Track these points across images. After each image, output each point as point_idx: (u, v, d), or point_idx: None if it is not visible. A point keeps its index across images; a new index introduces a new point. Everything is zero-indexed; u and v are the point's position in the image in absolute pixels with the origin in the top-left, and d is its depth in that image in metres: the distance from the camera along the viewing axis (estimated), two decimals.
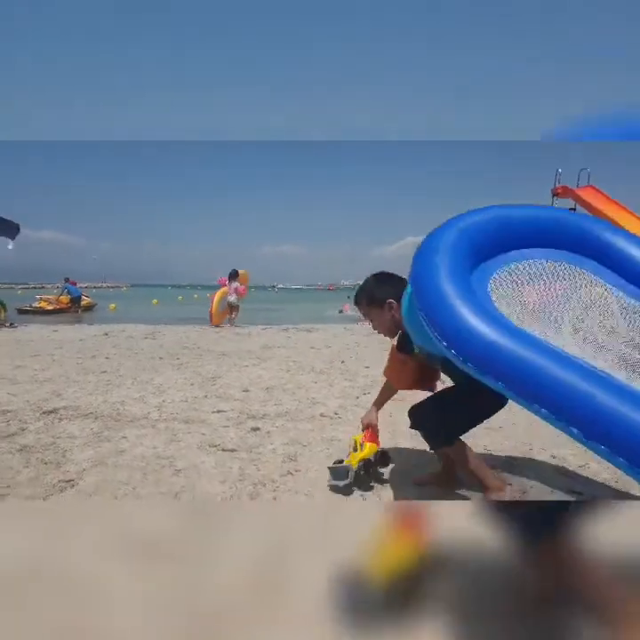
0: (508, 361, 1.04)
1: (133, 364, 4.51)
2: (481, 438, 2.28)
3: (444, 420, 1.58)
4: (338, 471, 1.69)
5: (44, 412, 2.73)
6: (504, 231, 1.39)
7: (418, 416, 1.65)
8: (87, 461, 2.02)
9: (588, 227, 1.46)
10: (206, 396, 3.20)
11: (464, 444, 1.62)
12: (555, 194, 10.03)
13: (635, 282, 1.37)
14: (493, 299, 1.24)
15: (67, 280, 17.72)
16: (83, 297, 18.21)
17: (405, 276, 1.38)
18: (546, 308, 1.26)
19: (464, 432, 1.61)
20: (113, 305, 19.99)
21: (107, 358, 4.81)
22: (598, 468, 1.96)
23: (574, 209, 10.01)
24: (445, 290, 1.14)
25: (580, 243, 1.43)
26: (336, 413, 2.81)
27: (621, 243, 1.41)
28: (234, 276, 9.51)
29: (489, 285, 1.28)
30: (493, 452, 2.15)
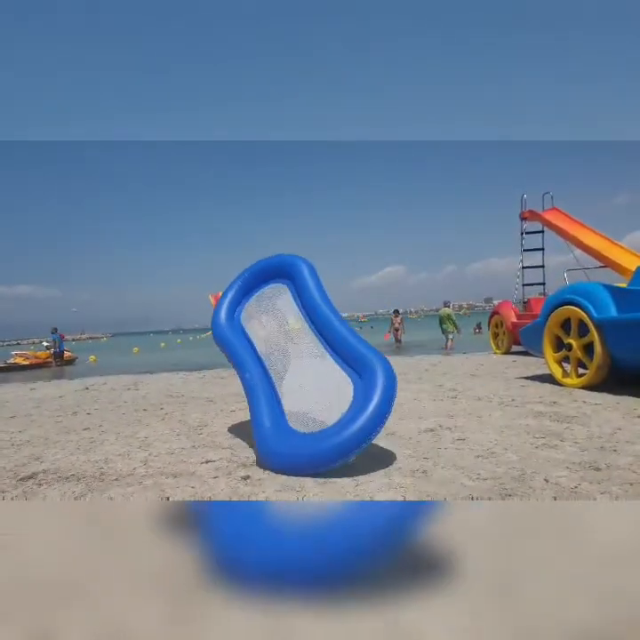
0: (223, 343, 2.89)
1: (116, 417, 4.39)
2: (474, 466, 2.26)
3: None
4: None
5: (21, 479, 2.60)
6: (254, 278, 3.09)
7: None
8: None
9: (290, 268, 2.95)
10: (194, 447, 3.11)
11: None
12: (522, 218, 10.40)
13: (303, 298, 2.81)
14: (243, 317, 2.98)
15: (55, 331, 16.95)
16: (64, 351, 17.72)
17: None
18: (261, 311, 2.97)
19: None
20: (93, 357, 19.59)
21: (88, 414, 4.67)
22: (590, 487, 1.96)
23: (543, 231, 10.41)
24: (218, 316, 2.98)
25: (287, 275, 2.96)
26: None
27: (305, 278, 2.85)
28: None
29: (244, 308, 3.03)
30: (487, 479, 2.12)
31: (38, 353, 17.00)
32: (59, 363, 16.41)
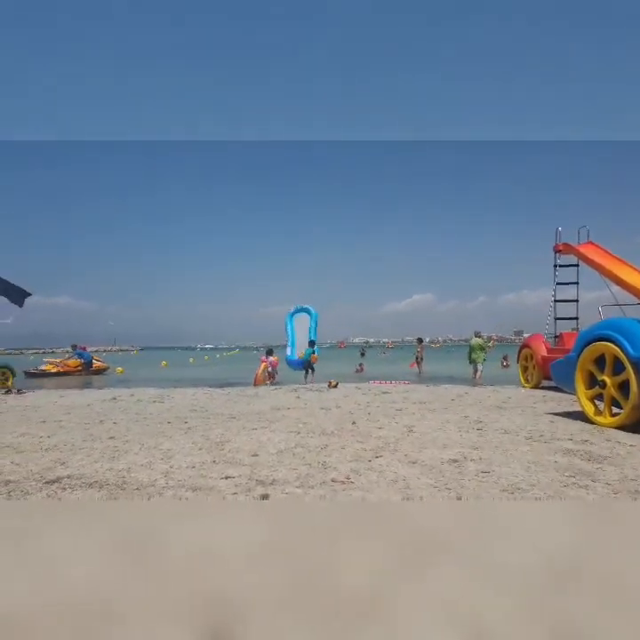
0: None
1: (141, 428, 4.46)
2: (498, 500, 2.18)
3: None
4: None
5: (46, 482, 2.67)
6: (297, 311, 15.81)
7: None
8: None
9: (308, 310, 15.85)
10: (214, 462, 3.12)
11: None
12: (557, 251, 10.21)
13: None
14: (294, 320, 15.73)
15: (74, 347, 18.10)
16: (95, 360, 18.47)
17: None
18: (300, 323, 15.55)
19: None
20: (120, 368, 20.08)
21: (114, 423, 4.77)
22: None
23: (577, 265, 10.18)
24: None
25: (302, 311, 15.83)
26: (348, 478, 2.72)
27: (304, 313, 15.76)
28: (270, 352, 13.15)
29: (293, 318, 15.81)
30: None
31: (68, 361, 17.63)
32: (85, 372, 17.11)
